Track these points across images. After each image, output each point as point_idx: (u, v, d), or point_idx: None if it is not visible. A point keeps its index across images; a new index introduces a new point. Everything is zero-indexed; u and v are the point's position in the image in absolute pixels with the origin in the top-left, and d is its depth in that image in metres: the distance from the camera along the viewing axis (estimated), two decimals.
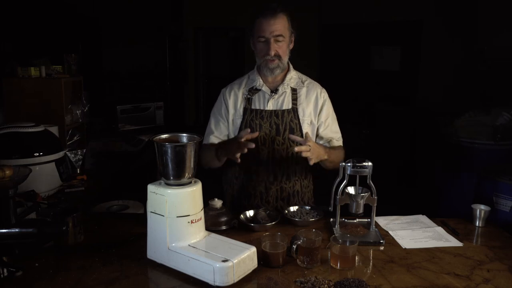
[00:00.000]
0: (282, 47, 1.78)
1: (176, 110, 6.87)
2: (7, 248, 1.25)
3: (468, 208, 1.71)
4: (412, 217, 1.77)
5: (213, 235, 1.36)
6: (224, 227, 1.57)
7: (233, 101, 1.89)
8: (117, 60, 6.13)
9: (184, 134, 1.34)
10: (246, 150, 1.62)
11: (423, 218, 1.75)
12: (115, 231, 1.58)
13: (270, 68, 1.79)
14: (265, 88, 1.86)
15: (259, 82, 1.87)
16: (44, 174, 2.04)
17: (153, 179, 1.34)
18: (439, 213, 2.11)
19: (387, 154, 4.78)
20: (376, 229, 1.60)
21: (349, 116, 5.01)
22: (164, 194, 1.27)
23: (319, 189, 2.01)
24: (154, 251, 1.32)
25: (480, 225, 1.67)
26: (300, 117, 1.84)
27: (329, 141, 1.91)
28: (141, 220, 1.50)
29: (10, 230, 1.23)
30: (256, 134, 1.71)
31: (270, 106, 1.84)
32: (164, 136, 1.33)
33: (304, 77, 1.93)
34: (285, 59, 1.82)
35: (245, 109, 1.86)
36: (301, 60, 2.51)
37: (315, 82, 1.94)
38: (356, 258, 1.36)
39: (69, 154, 2.38)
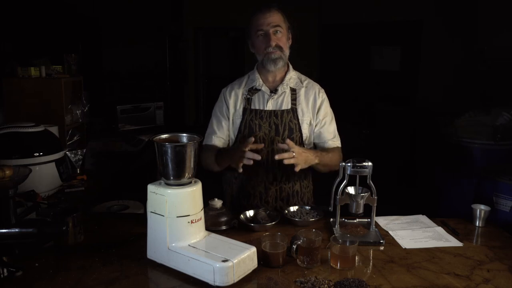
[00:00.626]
0: (282, 39, 1.79)
1: (176, 110, 6.87)
2: (7, 248, 1.25)
3: (468, 208, 1.71)
4: (412, 217, 1.77)
5: (213, 235, 1.36)
6: (224, 227, 1.57)
7: (233, 101, 1.89)
8: (117, 60, 6.13)
9: (184, 134, 1.34)
10: (252, 162, 1.62)
11: (423, 218, 1.75)
12: (115, 231, 1.58)
13: (272, 59, 1.78)
14: (264, 88, 1.86)
15: (259, 82, 1.87)
16: (44, 174, 2.04)
17: (153, 179, 1.34)
18: (439, 213, 2.11)
19: (387, 154, 4.78)
20: (376, 229, 1.60)
21: (349, 116, 5.03)
22: (164, 194, 1.27)
23: (319, 189, 2.01)
24: (154, 251, 1.32)
25: (480, 225, 1.67)
26: (300, 117, 1.84)
27: (324, 141, 1.89)
28: (141, 220, 1.51)
29: (10, 230, 1.23)
30: (261, 146, 1.70)
31: (270, 106, 1.84)
32: (164, 136, 1.33)
33: (303, 77, 1.93)
34: (286, 52, 1.82)
35: (244, 109, 1.86)
36: (301, 60, 2.51)
37: (314, 82, 1.94)
38: (356, 258, 1.36)
39: (69, 154, 2.38)
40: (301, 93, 1.87)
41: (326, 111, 1.90)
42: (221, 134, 1.90)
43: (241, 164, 1.63)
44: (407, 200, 3.62)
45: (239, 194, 1.89)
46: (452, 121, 3.63)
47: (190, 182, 1.32)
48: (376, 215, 1.61)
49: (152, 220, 1.32)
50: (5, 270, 1.22)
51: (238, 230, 1.57)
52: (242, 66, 7.03)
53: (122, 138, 3.73)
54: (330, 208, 1.60)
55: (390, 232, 1.60)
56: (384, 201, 1.85)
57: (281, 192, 1.87)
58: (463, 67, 5.14)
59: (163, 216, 1.28)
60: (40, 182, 1.96)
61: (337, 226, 1.60)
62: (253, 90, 1.87)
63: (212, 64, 7.99)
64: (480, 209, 1.67)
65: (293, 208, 1.75)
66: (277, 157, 1.62)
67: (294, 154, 1.62)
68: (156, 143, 1.28)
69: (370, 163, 1.53)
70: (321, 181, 1.96)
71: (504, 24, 4.61)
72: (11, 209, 1.25)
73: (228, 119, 1.89)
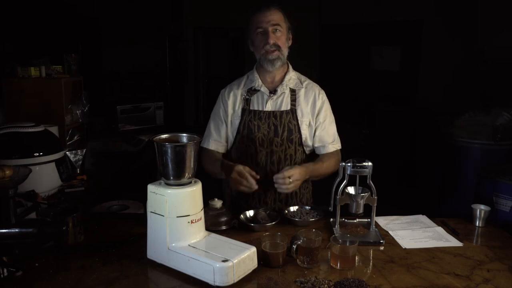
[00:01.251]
0: (281, 38, 1.79)
1: (176, 110, 6.87)
2: (7, 248, 1.25)
3: (468, 208, 1.71)
4: (412, 217, 1.77)
5: (213, 235, 1.36)
6: (224, 227, 1.57)
7: (232, 102, 1.88)
8: (117, 60, 6.13)
9: (184, 134, 1.34)
10: (256, 187, 1.65)
11: (423, 218, 1.75)
12: (115, 231, 1.58)
13: (270, 59, 1.78)
14: (263, 89, 1.85)
15: (258, 82, 1.86)
16: (44, 174, 2.04)
17: (153, 179, 1.34)
18: (439, 213, 2.11)
19: (387, 154, 4.78)
20: (376, 229, 1.60)
21: (349, 116, 5.03)
22: (164, 194, 1.27)
23: (319, 189, 2.00)
24: (154, 251, 1.32)
25: (480, 225, 1.67)
26: (299, 118, 1.84)
27: (324, 145, 1.89)
28: (141, 220, 1.50)
29: (10, 230, 1.23)
30: (257, 177, 1.69)
31: (269, 107, 1.83)
32: (164, 136, 1.33)
33: (303, 77, 1.93)
34: (285, 52, 1.82)
35: (243, 110, 1.85)
36: (301, 60, 2.51)
37: (314, 83, 1.93)
38: (356, 258, 1.36)
39: (69, 154, 2.38)
40: (301, 93, 1.87)
41: (326, 113, 1.89)
42: (218, 138, 1.90)
43: (245, 189, 1.67)
44: (407, 200, 3.62)
45: (239, 195, 1.89)
46: (452, 121, 3.63)
47: (190, 182, 1.32)
48: (376, 215, 1.61)
49: (152, 220, 1.32)
50: (5, 270, 1.22)
51: (238, 230, 1.57)
52: (242, 66, 7.03)
53: (122, 138, 3.73)
54: (330, 208, 1.60)
55: (390, 232, 1.60)
56: (384, 201, 1.85)
57: (280, 193, 1.86)
58: (463, 67, 5.14)
59: (163, 216, 1.28)
60: (40, 182, 1.95)
61: (337, 226, 1.60)
62: (252, 91, 1.87)
63: (212, 64, 8.00)
64: (480, 209, 1.67)
65: (293, 208, 1.75)
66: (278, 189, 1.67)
67: (291, 180, 1.64)
68: (156, 143, 1.28)
69: (370, 163, 1.53)
70: (321, 181, 1.96)
71: (504, 24, 4.61)
72: (11, 209, 1.25)
73: (225, 122, 1.89)
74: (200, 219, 1.33)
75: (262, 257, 1.31)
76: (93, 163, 2.84)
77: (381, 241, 1.51)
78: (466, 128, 3.48)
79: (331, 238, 1.39)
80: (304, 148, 1.87)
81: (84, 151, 2.52)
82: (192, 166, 1.29)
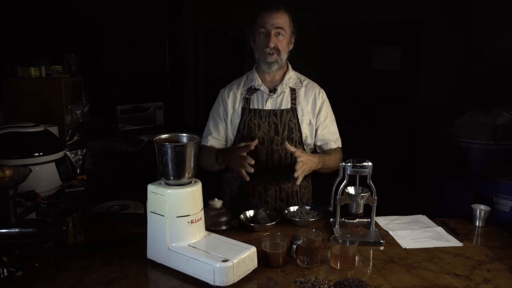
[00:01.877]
0: (282, 43, 1.79)
1: (176, 110, 6.87)
2: (7, 248, 1.25)
3: (468, 208, 1.71)
4: (412, 217, 1.77)
5: (213, 235, 1.36)
6: (224, 227, 1.57)
7: (232, 101, 1.88)
8: (117, 60, 6.13)
9: (184, 134, 1.34)
10: (253, 170, 1.64)
11: (423, 218, 1.75)
12: (115, 231, 1.58)
13: (268, 62, 1.79)
14: (263, 88, 1.86)
15: (258, 81, 1.86)
16: (44, 174, 2.04)
17: (153, 179, 1.34)
18: (439, 213, 2.11)
19: (387, 154, 4.78)
20: (376, 229, 1.60)
21: (349, 116, 5.02)
22: (164, 194, 1.27)
23: (319, 189, 2.00)
24: (154, 251, 1.32)
25: (480, 225, 1.67)
26: (299, 117, 1.84)
27: (326, 143, 1.90)
28: (141, 220, 1.50)
29: (10, 230, 1.23)
30: (255, 143, 1.70)
31: (269, 105, 1.84)
32: (164, 136, 1.33)
33: (302, 77, 1.93)
34: (284, 56, 1.82)
35: (243, 109, 1.86)
36: (301, 60, 2.51)
37: (314, 83, 1.94)
38: (356, 258, 1.36)
39: (69, 154, 2.38)
40: (301, 92, 1.87)
41: (327, 112, 1.90)
42: (217, 136, 1.90)
43: (244, 172, 1.64)
44: (407, 200, 3.62)
45: (239, 194, 1.89)
46: (452, 121, 3.63)
47: (190, 182, 1.32)
48: (376, 215, 1.61)
49: (152, 220, 1.32)
50: (5, 270, 1.22)
51: (238, 230, 1.57)
52: (242, 66, 7.03)
53: (122, 138, 3.73)
54: (330, 208, 1.60)
55: (390, 232, 1.60)
56: (384, 201, 1.85)
57: (281, 192, 1.87)
58: (463, 67, 5.14)
59: (163, 216, 1.28)
60: (40, 182, 1.95)
61: (337, 226, 1.60)
62: (252, 90, 1.87)
63: (212, 64, 8.00)
64: (480, 209, 1.67)
65: (293, 208, 1.75)
66: (296, 175, 1.65)
67: (302, 162, 1.64)
68: (156, 143, 1.28)
69: (370, 163, 1.53)
70: (321, 181, 1.96)
71: (504, 24, 4.61)
72: (11, 209, 1.25)
73: (225, 121, 1.89)
74: (200, 219, 1.33)
75: (262, 257, 1.31)
76: (93, 163, 2.84)
77: (381, 241, 1.51)
78: (466, 128, 3.48)
79: (331, 238, 1.39)
80: (305, 147, 1.88)
81: (84, 151, 2.52)
82: (192, 166, 1.29)
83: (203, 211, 1.34)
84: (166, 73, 6.68)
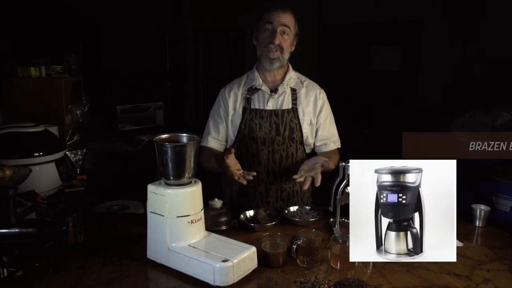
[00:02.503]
0: (286, 42, 1.79)
1: (176, 110, 6.87)
2: (7, 248, 1.25)
3: (468, 208, 1.71)
4: None
5: (213, 235, 1.36)
6: (224, 227, 1.57)
7: (232, 101, 1.88)
8: (117, 60, 6.14)
9: (184, 134, 1.34)
10: (245, 182, 1.63)
11: None
12: (115, 231, 1.58)
13: (270, 58, 1.78)
14: (264, 88, 1.86)
15: (259, 81, 1.86)
16: (44, 174, 2.04)
17: (153, 179, 1.34)
18: None
19: (387, 154, 4.77)
20: None
21: (349, 116, 5.03)
22: (164, 194, 1.27)
23: (319, 189, 2.00)
24: (154, 251, 1.32)
25: (480, 225, 1.67)
26: (300, 117, 1.84)
27: (326, 143, 1.90)
28: (141, 220, 1.50)
29: (10, 230, 1.23)
30: (253, 174, 1.66)
31: (270, 105, 1.84)
32: (164, 136, 1.33)
33: (303, 77, 1.93)
34: (286, 55, 1.82)
35: (244, 109, 1.85)
36: (301, 60, 2.51)
37: (314, 83, 1.94)
38: None
39: (69, 154, 2.37)
40: (302, 93, 1.87)
41: (327, 112, 1.90)
42: (217, 136, 1.90)
43: (241, 179, 1.64)
44: None
45: (239, 194, 1.89)
46: (452, 121, 3.63)
47: (190, 182, 1.32)
48: None
49: (152, 220, 1.32)
50: (5, 270, 1.22)
51: (238, 230, 1.57)
52: (242, 66, 7.03)
53: (122, 138, 3.73)
54: (330, 208, 1.60)
55: None
56: None
57: (282, 192, 1.87)
58: (463, 67, 5.14)
59: (163, 216, 1.28)
60: (40, 182, 1.95)
61: (337, 226, 1.60)
62: (252, 90, 1.87)
63: (212, 64, 8.00)
64: (480, 209, 1.67)
65: (293, 208, 1.75)
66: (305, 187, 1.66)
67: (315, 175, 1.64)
68: (156, 143, 1.28)
69: None
70: (321, 181, 1.95)
71: (504, 24, 4.61)
72: (11, 209, 1.24)
73: (225, 121, 1.89)
74: (200, 219, 1.33)
75: (262, 257, 1.31)
76: (93, 163, 2.85)
77: None
78: (466, 128, 3.48)
79: (331, 238, 1.39)
80: (305, 147, 1.88)
81: (84, 151, 2.52)
82: (192, 166, 1.29)
83: (203, 211, 1.34)
84: (166, 73, 6.68)
